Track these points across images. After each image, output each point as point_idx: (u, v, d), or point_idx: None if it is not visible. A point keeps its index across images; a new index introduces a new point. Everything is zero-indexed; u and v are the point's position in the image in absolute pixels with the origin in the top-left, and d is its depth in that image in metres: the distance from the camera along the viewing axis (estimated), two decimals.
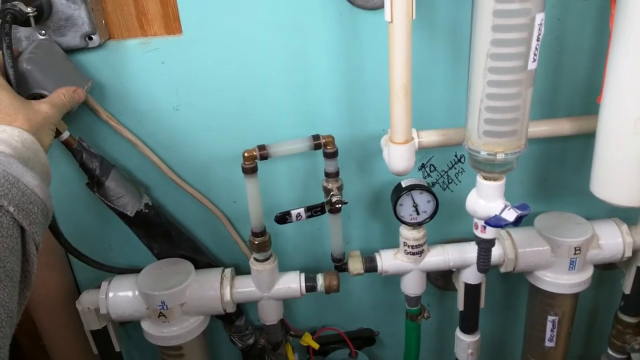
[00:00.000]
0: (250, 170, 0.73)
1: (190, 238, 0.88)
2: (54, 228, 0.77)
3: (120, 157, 0.83)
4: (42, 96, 0.66)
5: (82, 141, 0.75)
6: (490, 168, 0.69)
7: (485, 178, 0.70)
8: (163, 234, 0.83)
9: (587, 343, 1.11)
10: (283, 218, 0.77)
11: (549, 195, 0.93)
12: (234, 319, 0.94)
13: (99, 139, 0.80)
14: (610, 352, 0.98)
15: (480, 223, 0.73)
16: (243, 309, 0.97)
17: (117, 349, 0.89)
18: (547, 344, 0.91)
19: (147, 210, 0.81)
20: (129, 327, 0.98)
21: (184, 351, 0.85)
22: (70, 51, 0.73)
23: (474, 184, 0.72)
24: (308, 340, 0.96)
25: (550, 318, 0.89)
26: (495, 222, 0.70)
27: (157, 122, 0.80)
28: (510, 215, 0.69)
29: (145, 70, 0.76)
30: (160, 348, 0.86)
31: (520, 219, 0.69)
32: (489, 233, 0.73)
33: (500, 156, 0.66)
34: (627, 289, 0.91)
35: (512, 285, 1.02)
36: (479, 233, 0.74)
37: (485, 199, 0.71)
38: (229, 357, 1.06)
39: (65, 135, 0.72)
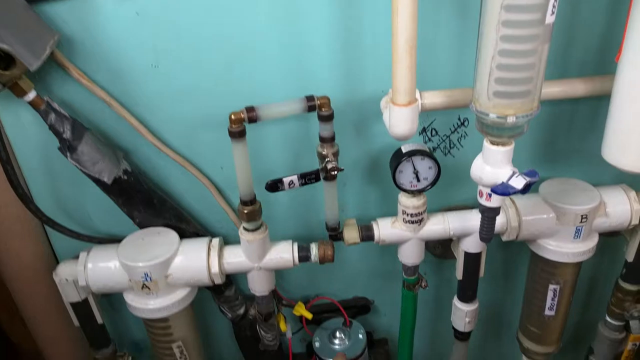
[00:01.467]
0: (237, 134, 0.67)
1: (174, 206, 0.82)
2: (23, 196, 0.71)
3: (95, 119, 0.76)
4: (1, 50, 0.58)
5: (51, 102, 0.68)
6: (498, 132, 0.63)
7: (493, 143, 0.65)
8: (144, 202, 0.78)
9: (584, 310, 1.10)
10: (274, 186, 0.71)
11: (555, 161, 0.88)
12: (223, 289, 0.90)
13: (70, 99, 0.73)
14: (608, 319, 0.96)
15: (486, 191, 0.69)
16: (233, 278, 0.93)
17: (100, 321, 0.85)
18: (547, 312, 0.88)
19: (125, 177, 0.75)
20: (113, 298, 0.94)
21: (171, 323, 0.81)
22: (33, 0, 0.65)
23: (477, 149, 0.67)
24: (301, 310, 0.93)
25: (551, 287, 0.86)
26: (503, 189, 0.65)
27: (134, 81, 0.73)
28: (519, 182, 0.65)
29: (119, 22, 0.69)
30: (146, 321, 0.82)
31: (529, 186, 0.64)
32: (495, 201, 0.69)
33: (510, 119, 0.60)
34: (630, 257, 0.88)
35: (513, 254, 0.99)
36: (483, 201, 0.70)
37: (492, 165, 0.66)
38: (218, 327, 1.02)
39: (32, 95, 0.65)
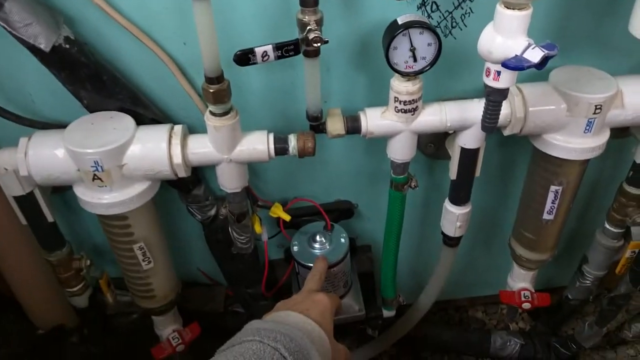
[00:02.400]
0: None
1: (129, 86, 0.70)
2: None
3: None
4: None
5: None
6: None
7: (508, 6, 0.54)
8: (92, 78, 0.66)
9: (582, 217, 1.04)
10: (245, 57, 0.60)
11: (568, 49, 0.77)
12: (190, 188, 0.81)
13: None
14: (607, 226, 0.90)
15: (494, 68, 0.59)
16: (202, 176, 0.84)
17: (50, 219, 0.76)
18: (545, 216, 0.82)
19: (67, 46, 0.63)
20: (68, 195, 0.84)
21: (130, 221, 0.73)
22: None
23: (481, 30, 0.57)
24: (278, 211, 0.84)
25: (553, 188, 0.78)
26: (516, 63, 0.55)
27: None
28: (535, 55, 0.55)
29: None
30: (102, 218, 0.73)
31: (546, 60, 0.55)
32: (503, 81, 0.59)
33: None
34: None
35: (511, 152, 0.91)
36: (490, 81, 0.60)
37: (505, 34, 0.56)
38: (188, 230, 0.94)
39: None
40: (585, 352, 1.16)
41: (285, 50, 0.61)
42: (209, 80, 0.62)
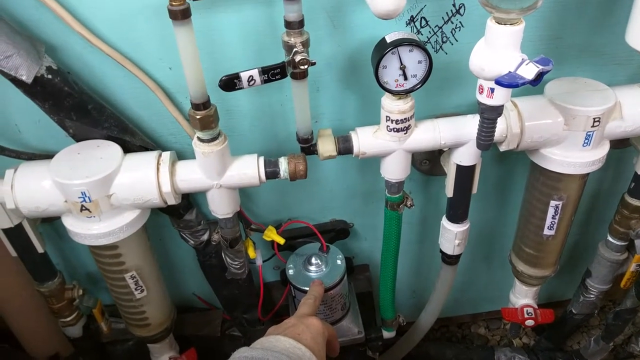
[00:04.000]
0: (180, 13, 0.53)
1: (115, 115, 0.69)
2: None
3: (8, 5, 0.61)
4: None
5: None
6: (507, 6, 0.51)
7: (499, 22, 0.53)
8: (77, 107, 0.64)
9: (584, 230, 1.02)
10: (230, 82, 0.58)
11: (563, 60, 0.76)
12: (182, 213, 0.79)
13: None
14: (610, 238, 0.88)
15: (487, 85, 0.57)
16: (194, 201, 0.82)
17: (40, 250, 0.74)
18: (546, 232, 0.80)
19: (50, 76, 0.61)
20: (58, 224, 0.83)
21: (121, 251, 0.71)
22: None
23: (473, 44, 0.56)
24: (272, 234, 0.82)
25: (553, 203, 0.76)
26: (510, 80, 0.54)
27: None
28: (529, 71, 0.53)
29: None
30: (92, 249, 0.71)
31: (541, 76, 0.54)
32: (497, 98, 0.57)
33: None
34: None
35: (509, 168, 0.89)
36: (484, 99, 0.58)
37: (497, 50, 0.54)
38: (182, 255, 0.93)
39: None
40: None
41: (272, 74, 0.60)
42: (195, 107, 0.61)
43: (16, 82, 0.60)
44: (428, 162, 0.84)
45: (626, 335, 1.10)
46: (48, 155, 0.68)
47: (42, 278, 0.79)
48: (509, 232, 0.91)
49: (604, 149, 0.72)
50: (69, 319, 0.85)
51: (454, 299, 1.00)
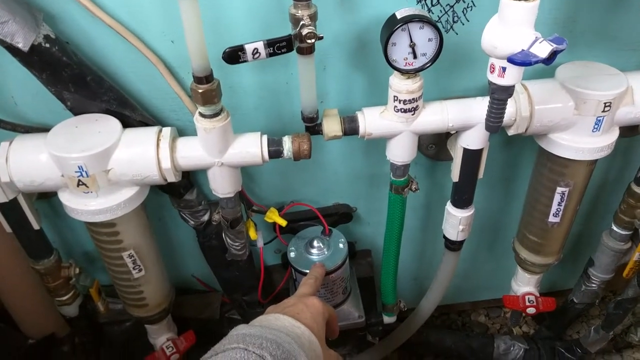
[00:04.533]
0: None
1: (114, 87, 0.67)
2: None
3: None
4: None
5: None
6: None
7: None
8: (75, 79, 0.62)
9: (588, 218, 1.01)
10: (234, 54, 0.57)
11: (575, 44, 0.74)
12: (182, 192, 0.77)
13: None
14: (614, 227, 0.87)
15: (499, 64, 0.56)
16: (194, 180, 0.81)
17: (36, 226, 0.73)
18: (551, 219, 0.78)
19: (48, 45, 0.59)
20: (55, 201, 0.81)
21: (118, 229, 0.69)
22: None
23: (485, 25, 0.54)
24: (274, 216, 0.81)
25: (559, 189, 0.75)
26: (522, 58, 0.52)
27: None
28: (543, 49, 0.51)
29: None
30: (89, 226, 0.70)
31: (555, 55, 0.52)
32: (509, 77, 0.56)
33: None
34: None
35: (516, 152, 0.87)
36: (495, 78, 0.57)
37: (511, 27, 0.53)
38: (182, 236, 0.91)
39: None
40: (590, 357, 1.12)
41: (278, 47, 0.58)
42: (198, 80, 0.59)
43: (12, 50, 0.58)
44: (434, 147, 0.83)
45: (625, 325, 1.10)
46: (45, 129, 0.66)
47: (37, 255, 0.77)
48: (513, 220, 0.90)
49: (613, 135, 0.71)
50: (65, 297, 0.84)
51: (455, 287, 0.99)
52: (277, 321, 0.55)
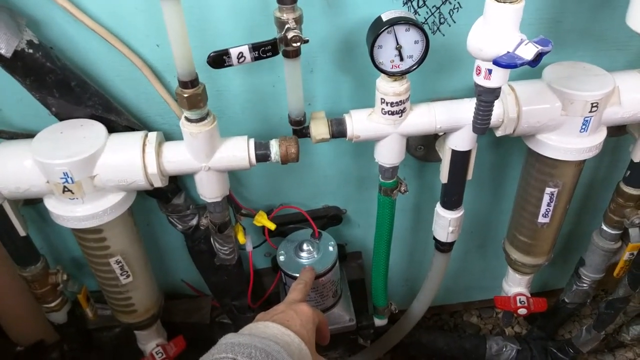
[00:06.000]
0: None
1: (100, 92, 0.66)
2: None
3: None
4: None
5: None
6: None
7: None
8: (59, 84, 0.62)
9: (578, 218, 1.01)
10: (219, 58, 0.56)
11: (562, 44, 0.75)
12: (170, 197, 0.77)
13: None
14: (604, 227, 0.87)
15: (485, 66, 0.55)
16: (182, 184, 0.80)
17: (22, 233, 0.72)
18: (541, 219, 0.78)
19: (31, 50, 0.59)
20: (42, 206, 0.80)
21: (105, 235, 0.69)
22: None
23: (471, 25, 0.54)
24: (262, 220, 0.81)
25: (548, 190, 0.75)
26: (508, 60, 0.52)
27: None
28: (529, 51, 0.52)
29: None
30: (76, 232, 0.69)
31: (540, 56, 0.53)
32: (495, 79, 0.56)
33: None
34: (637, 157, 0.77)
35: (505, 153, 0.87)
36: (481, 80, 0.56)
37: (496, 29, 0.52)
38: (171, 240, 0.91)
39: None
40: (582, 356, 1.13)
41: (263, 50, 0.58)
42: (183, 85, 0.58)
43: None
44: (423, 148, 0.83)
45: (617, 324, 1.10)
46: (30, 135, 0.66)
47: (24, 262, 0.76)
48: (503, 220, 0.90)
49: (601, 136, 0.71)
50: (53, 304, 0.83)
51: (446, 288, 0.99)
52: (266, 329, 0.55)
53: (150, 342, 0.87)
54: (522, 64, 0.51)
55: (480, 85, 0.57)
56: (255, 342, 0.49)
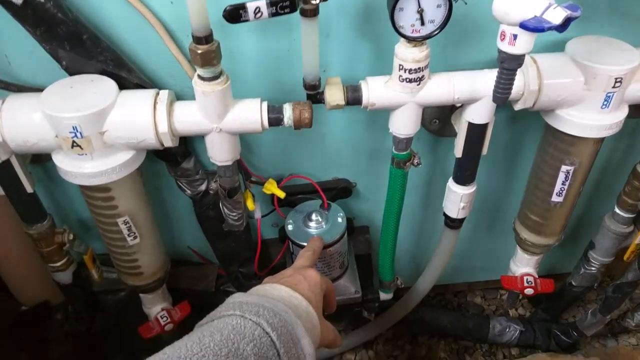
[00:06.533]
0: None
1: (111, 48, 0.65)
2: None
3: None
4: None
5: None
6: None
7: None
8: (71, 37, 0.60)
9: (589, 200, 0.99)
10: (235, 12, 0.55)
11: (588, 16, 0.72)
12: (179, 160, 0.76)
13: None
14: (617, 210, 0.86)
15: (510, 31, 0.54)
16: (192, 148, 0.79)
17: (29, 189, 0.71)
18: (554, 198, 0.77)
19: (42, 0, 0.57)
20: (50, 166, 0.80)
21: (114, 193, 0.68)
22: None
23: None
24: (272, 187, 0.80)
25: (564, 168, 0.74)
26: (535, 24, 0.50)
27: None
28: (557, 15, 0.50)
29: None
30: (84, 190, 0.68)
31: (569, 21, 0.50)
32: (520, 46, 0.54)
33: None
34: None
35: (521, 129, 0.86)
36: (505, 46, 0.55)
37: None
38: (179, 205, 0.90)
39: None
40: (585, 340, 1.12)
41: (280, 6, 0.56)
42: (197, 40, 0.57)
43: (5, 3, 0.56)
44: (438, 122, 0.81)
45: (622, 310, 1.10)
46: (39, 90, 0.65)
47: (30, 219, 0.76)
48: (514, 200, 0.89)
49: (622, 113, 0.69)
50: (58, 264, 0.83)
51: (452, 267, 0.98)
52: (274, 291, 0.54)
53: (156, 306, 0.87)
54: (549, 29, 0.50)
55: (503, 52, 0.55)
56: (263, 301, 0.49)
